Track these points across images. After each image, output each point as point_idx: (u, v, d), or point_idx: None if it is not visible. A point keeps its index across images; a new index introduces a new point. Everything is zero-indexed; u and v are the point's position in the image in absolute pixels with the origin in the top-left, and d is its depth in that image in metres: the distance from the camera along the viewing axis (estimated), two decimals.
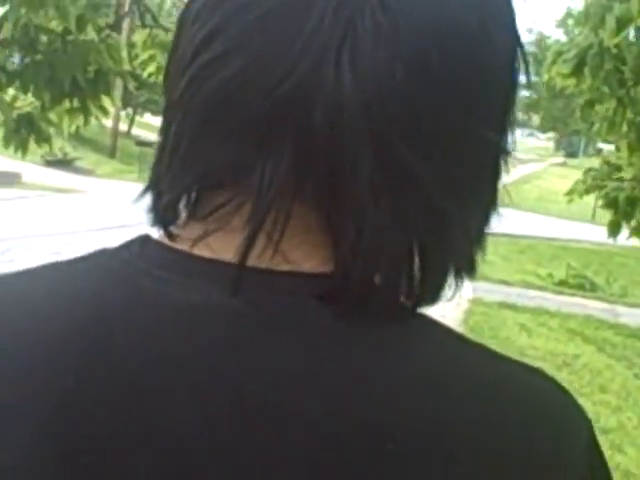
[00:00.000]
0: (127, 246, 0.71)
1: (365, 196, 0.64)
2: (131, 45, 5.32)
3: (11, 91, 4.77)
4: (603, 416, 7.99)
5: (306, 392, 0.63)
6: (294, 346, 0.64)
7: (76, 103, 4.62)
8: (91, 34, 4.64)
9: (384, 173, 0.64)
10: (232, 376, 0.63)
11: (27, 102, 4.72)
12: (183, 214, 0.71)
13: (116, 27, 4.94)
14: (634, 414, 8.29)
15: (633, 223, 6.37)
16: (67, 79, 4.36)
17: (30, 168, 21.44)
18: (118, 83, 5.08)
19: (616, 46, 4.95)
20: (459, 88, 0.67)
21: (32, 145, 5.13)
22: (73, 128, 4.82)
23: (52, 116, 4.75)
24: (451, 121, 0.67)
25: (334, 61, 0.63)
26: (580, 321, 12.44)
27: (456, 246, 0.69)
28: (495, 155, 0.72)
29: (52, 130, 4.96)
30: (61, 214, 16.15)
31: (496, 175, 0.73)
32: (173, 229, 0.71)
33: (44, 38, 4.59)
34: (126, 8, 5.19)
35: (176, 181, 0.69)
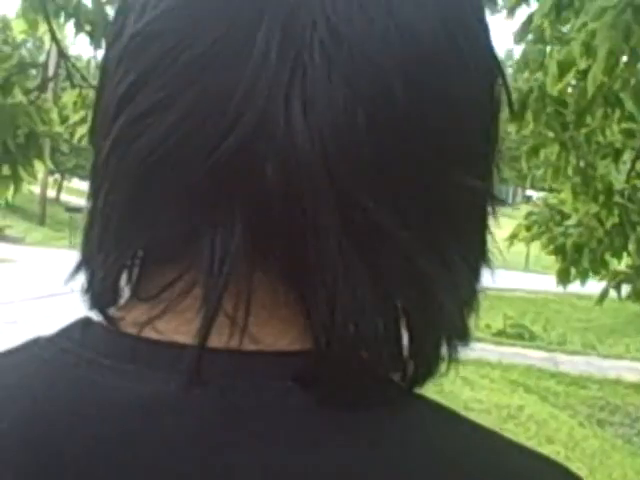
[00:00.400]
0: (65, 332, 0.61)
1: (334, 265, 0.55)
2: (60, 107, 5.21)
3: None
4: None
5: None
6: (268, 442, 0.55)
7: (6, 170, 4.47)
8: (18, 97, 4.52)
9: (354, 237, 0.56)
10: None
11: None
12: (124, 293, 0.62)
13: (43, 88, 4.81)
14: (583, 464, 8.40)
15: (580, 268, 6.40)
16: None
17: None
18: (46, 145, 4.96)
19: (557, 90, 4.98)
20: (431, 127, 0.57)
21: None
22: (2, 199, 4.67)
23: None
24: (426, 169, 0.57)
25: (283, 108, 0.55)
26: (521, 371, 12.70)
27: (446, 314, 0.59)
28: (481, 204, 0.62)
29: None
30: None
31: (483, 227, 0.63)
32: (114, 312, 0.61)
33: None
34: (51, 68, 5.07)
35: (111, 259, 0.60)
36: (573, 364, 13.48)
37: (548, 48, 5.29)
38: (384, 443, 0.56)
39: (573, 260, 6.35)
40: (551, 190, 7.80)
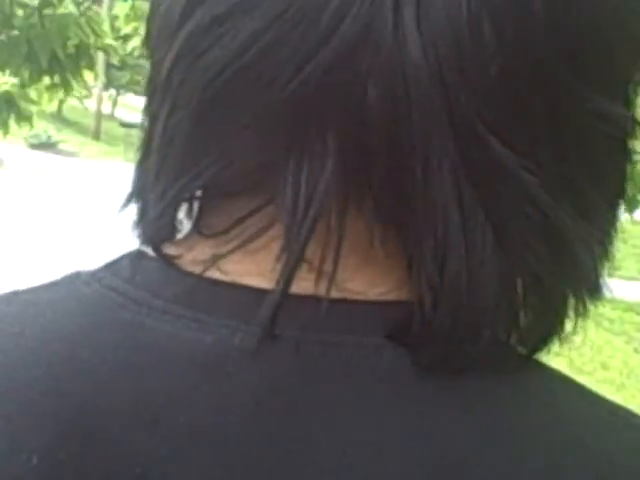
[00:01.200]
0: (112, 266, 0.52)
1: (447, 209, 0.46)
2: (113, 18, 5.18)
3: None
4: (607, 394, 8.01)
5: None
6: (356, 411, 0.47)
7: (56, 79, 4.47)
8: (70, 7, 4.49)
9: (473, 176, 0.46)
10: (272, 462, 0.46)
11: (4, 80, 4.58)
12: (184, 228, 0.53)
13: (96, 0, 4.78)
14: (637, 391, 8.38)
15: None
16: (45, 55, 4.21)
17: (14, 151, 21.48)
18: (99, 59, 4.95)
19: None
20: (573, 46, 0.47)
21: (15, 128, 5.06)
22: (54, 105, 4.68)
23: (32, 93, 4.62)
24: (564, 95, 0.47)
25: (391, 13, 0.45)
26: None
27: (580, 268, 0.50)
28: (625, 138, 0.51)
29: (33, 109, 4.83)
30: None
31: (625, 164, 0.52)
32: (170, 248, 0.53)
33: (20, 12, 4.42)
34: None
35: (171, 191, 0.51)
36: (629, 290, 13.41)
37: None
38: (501, 423, 0.49)
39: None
40: None
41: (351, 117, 0.44)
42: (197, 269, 0.50)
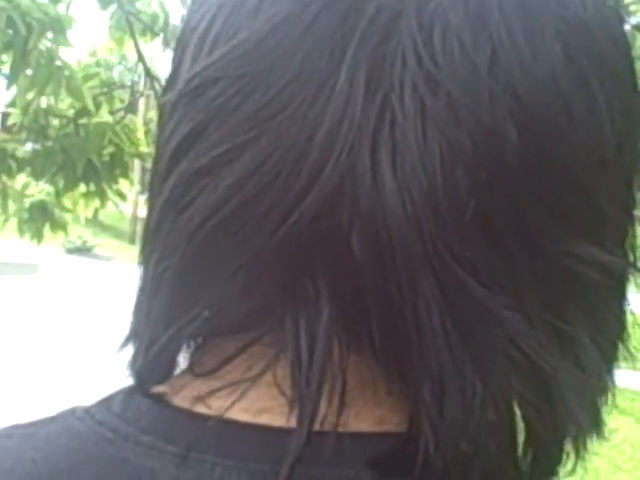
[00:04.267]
0: (106, 402, 0.53)
1: (439, 351, 0.46)
2: (148, 121, 5.24)
3: (22, 178, 4.66)
4: None
5: None
6: None
7: (92, 187, 4.51)
8: (104, 116, 4.54)
9: (456, 315, 0.46)
10: None
11: (39, 189, 4.62)
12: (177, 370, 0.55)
13: (132, 108, 4.84)
14: None
15: None
16: (81, 164, 4.25)
17: (50, 255, 21.54)
18: (135, 165, 4.99)
19: None
20: (548, 193, 0.47)
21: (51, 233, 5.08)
22: (89, 212, 4.72)
23: (66, 202, 4.65)
24: (541, 240, 0.47)
25: (369, 163, 0.46)
26: (614, 393, 12.33)
27: (570, 412, 0.50)
28: (617, 282, 0.52)
29: (68, 216, 4.85)
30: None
31: (621, 306, 0.53)
32: (161, 387, 0.54)
33: (55, 122, 4.47)
34: (141, 86, 5.10)
35: (159, 338, 0.52)
36: None
37: None
38: None
39: None
40: None
41: (339, 264, 0.46)
42: (186, 405, 0.51)
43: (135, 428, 0.51)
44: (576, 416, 0.51)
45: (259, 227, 0.47)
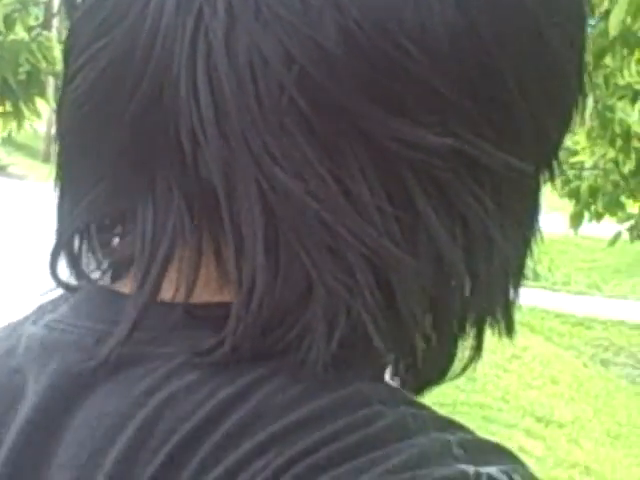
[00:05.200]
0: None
1: (250, 234, 0.52)
2: (63, 43, 5.15)
3: None
4: (557, 409, 8.05)
5: None
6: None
7: (8, 107, 4.44)
8: (20, 34, 4.47)
9: (269, 205, 0.52)
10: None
11: None
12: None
13: (47, 26, 4.75)
14: (588, 405, 8.40)
15: (593, 211, 6.33)
16: None
17: None
18: (50, 83, 4.91)
19: None
20: (371, 74, 0.52)
21: None
22: (5, 133, 4.64)
23: None
24: (365, 124, 0.52)
25: (185, 64, 0.52)
26: (526, 311, 12.59)
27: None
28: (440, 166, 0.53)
29: None
30: None
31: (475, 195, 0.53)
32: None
33: None
34: (56, 6, 5.00)
35: (66, 218, 0.60)
36: (578, 304, 13.45)
37: None
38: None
39: (587, 204, 6.28)
40: None
41: (168, 151, 0.54)
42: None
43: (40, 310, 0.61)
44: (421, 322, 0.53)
45: (113, 120, 0.55)
